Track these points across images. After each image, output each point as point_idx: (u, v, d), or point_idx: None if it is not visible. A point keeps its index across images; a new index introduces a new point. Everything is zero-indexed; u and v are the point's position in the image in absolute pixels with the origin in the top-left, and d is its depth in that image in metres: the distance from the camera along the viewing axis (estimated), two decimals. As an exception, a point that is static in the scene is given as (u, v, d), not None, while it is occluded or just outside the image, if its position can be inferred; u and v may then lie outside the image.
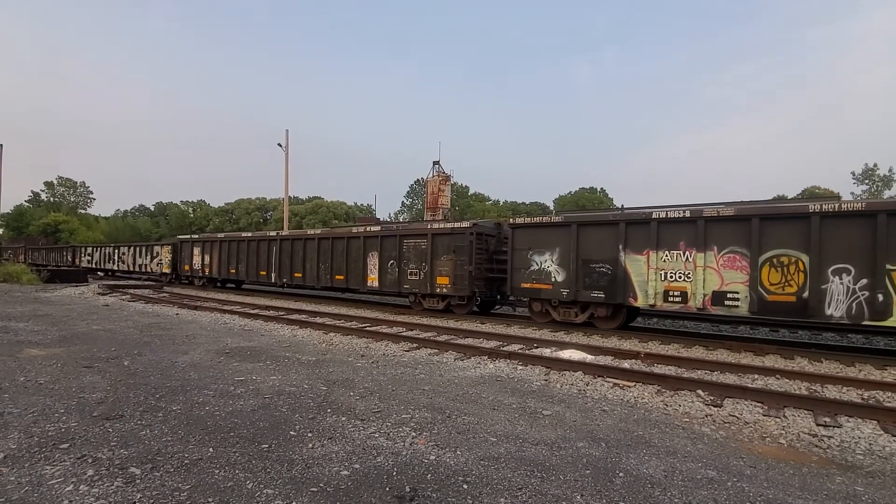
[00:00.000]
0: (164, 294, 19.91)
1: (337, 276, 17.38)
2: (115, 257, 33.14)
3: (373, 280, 16.20)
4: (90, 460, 3.72)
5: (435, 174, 45.00)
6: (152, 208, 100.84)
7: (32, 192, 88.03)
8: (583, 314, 11.76)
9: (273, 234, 20.66)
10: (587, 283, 11.41)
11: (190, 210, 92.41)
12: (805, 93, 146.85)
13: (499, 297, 14.99)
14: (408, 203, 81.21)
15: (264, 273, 20.46)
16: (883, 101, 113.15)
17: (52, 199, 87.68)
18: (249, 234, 22.30)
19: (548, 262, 12.02)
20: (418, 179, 74.06)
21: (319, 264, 18.03)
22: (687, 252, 10.13)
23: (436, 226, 14.98)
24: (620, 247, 10.90)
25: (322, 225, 61.01)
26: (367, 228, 16.75)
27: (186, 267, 25.41)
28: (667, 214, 10.41)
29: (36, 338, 9.02)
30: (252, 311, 13.93)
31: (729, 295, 9.70)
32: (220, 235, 23.79)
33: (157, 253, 28.30)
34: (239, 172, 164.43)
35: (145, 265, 29.53)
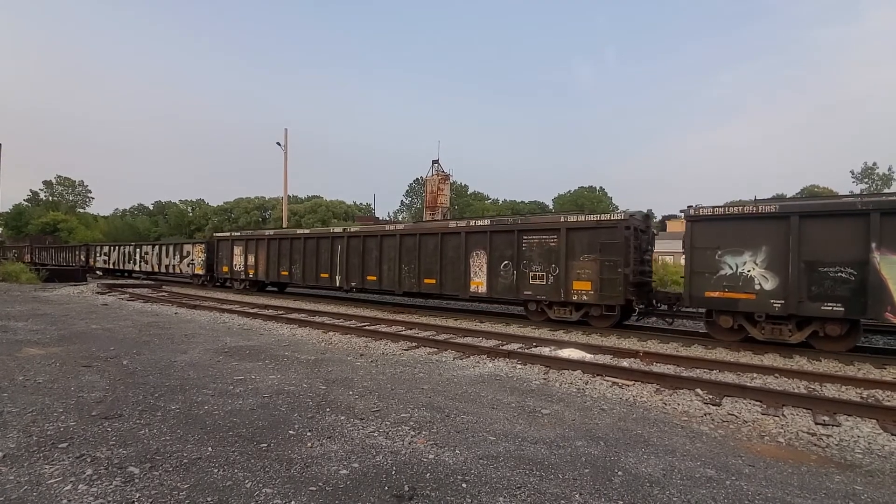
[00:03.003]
0: (163, 293, 19.89)
1: (426, 280, 14.61)
2: (137, 257, 30.22)
3: (478, 285, 13.43)
4: (89, 459, 3.72)
5: (434, 173, 44.99)
6: (151, 207, 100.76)
7: (31, 191, 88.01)
8: (800, 332, 9.20)
9: (339, 230, 18.03)
10: (814, 292, 8.85)
11: (189, 209, 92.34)
12: (804, 93, 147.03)
13: (641, 306, 11.99)
14: (407, 202, 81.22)
15: (326, 276, 17.80)
16: (882, 100, 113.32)
17: (50, 198, 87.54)
18: (307, 231, 19.55)
19: (748, 265, 9.46)
20: (418, 178, 74.09)
21: (402, 266, 15.25)
22: None
23: (573, 218, 12.02)
24: (873, 245, 8.41)
25: (321, 224, 60.92)
26: (473, 222, 13.91)
27: (225, 268, 22.61)
28: None
29: (35, 337, 9.01)
30: (251, 311, 13.92)
31: None
32: (269, 232, 20.95)
33: (188, 252, 25.58)
34: (238, 171, 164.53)
35: (173, 266, 26.63)
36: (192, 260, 25.22)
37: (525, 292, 12.61)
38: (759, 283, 9.41)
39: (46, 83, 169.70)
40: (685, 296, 10.31)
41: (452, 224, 14.43)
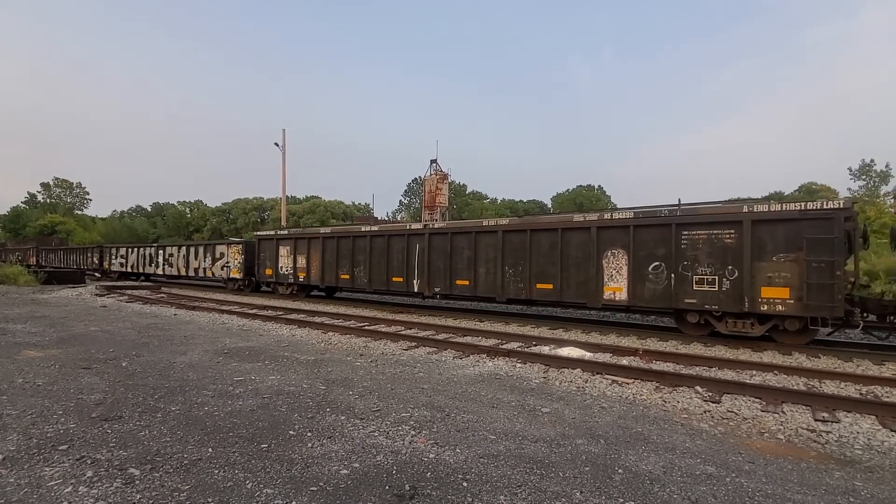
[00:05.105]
0: (162, 295, 19.87)
1: (539, 286, 12.37)
2: (160, 259, 27.69)
3: (615, 291, 11.15)
4: (89, 461, 3.71)
5: (432, 172, 44.96)
6: (149, 209, 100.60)
7: (29, 193, 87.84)
8: None
9: (419, 226, 15.42)
10: None
11: (187, 210, 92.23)
12: (802, 90, 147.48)
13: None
14: (405, 202, 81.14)
15: (400, 279, 15.56)
16: (879, 98, 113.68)
17: (48, 200, 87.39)
18: (375, 228, 17.06)
19: None
20: (416, 178, 74.05)
21: (504, 268, 13.01)
22: None
23: (762, 208, 9.55)
24: None
25: (319, 224, 60.81)
26: (607, 215, 11.58)
27: (268, 271, 20.30)
28: None
29: (34, 339, 8.99)
30: (250, 311, 13.91)
31: None
32: (325, 230, 18.59)
33: (222, 254, 23.19)
34: (236, 172, 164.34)
35: (204, 269, 24.30)
36: (228, 262, 22.90)
37: (686, 300, 10.20)
38: None
39: (44, 84, 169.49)
40: None
41: (578, 218, 11.99)
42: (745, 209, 9.71)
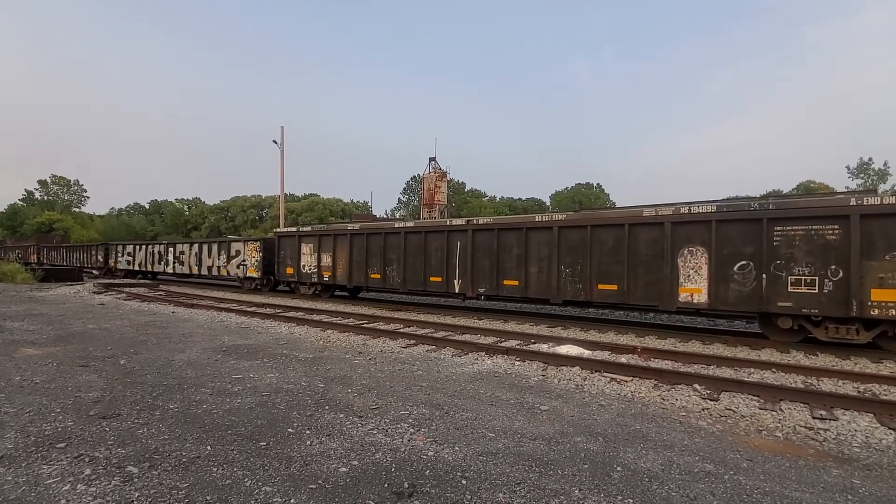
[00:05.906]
0: (160, 292, 19.84)
1: (601, 286, 11.35)
2: (170, 257, 26.37)
3: (693, 293, 10.10)
4: (87, 459, 3.71)
5: (431, 170, 45.02)
6: (147, 206, 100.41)
7: (26, 190, 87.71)
8: None
9: (461, 222, 14.24)
10: None
11: (185, 208, 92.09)
12: (800, 90, 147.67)
13: None
14: (404, 200, 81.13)
15: (439, 279, 14.42)
16: (879, 98, 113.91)
17: (45, 197, 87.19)
18: (411, 224, 15.87)
19: None
20: (415, 176, 74.05)
21: (560, 267, 11.92)
22: None
23: (873, 201, 8.52)
24: None
25: (318, 222, 60.65)
26: (684, 209, 10.35)
27: (289, 270, 19.30)
28: None
29: (31, 337, 8.97)
30: (249, 309, 13.89)
31: None
32: (353, 227, 17.44)
33: (238, 252, 22.14)
34: (235, 171, 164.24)
35: (219, 268, 23.18)
36: (244, 260, 21.77)
37: (780, 303, 9.19)
38: None
39: (44, 83, 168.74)
40: None
41: (649, 212, 10.82)
42: (853, 202, 8.64)
